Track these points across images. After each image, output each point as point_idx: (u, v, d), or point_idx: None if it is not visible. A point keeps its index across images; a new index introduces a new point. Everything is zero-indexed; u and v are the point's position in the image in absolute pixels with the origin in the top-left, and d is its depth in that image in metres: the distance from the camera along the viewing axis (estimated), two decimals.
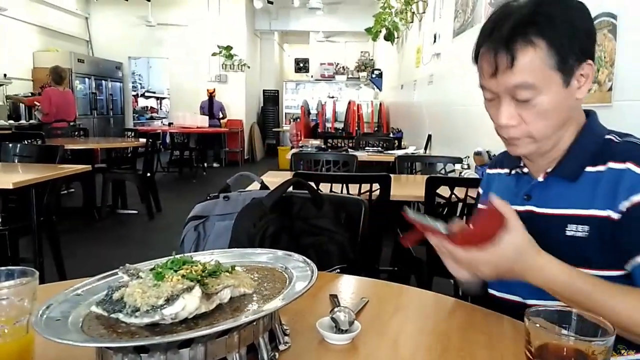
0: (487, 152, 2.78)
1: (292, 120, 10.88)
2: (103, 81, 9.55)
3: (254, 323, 0.72)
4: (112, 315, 0.67)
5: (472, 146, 2.99)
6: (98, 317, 0.69)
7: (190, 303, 0.67)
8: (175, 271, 0.71)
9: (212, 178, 8.29)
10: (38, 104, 6.00)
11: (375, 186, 2.28)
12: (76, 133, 5.99)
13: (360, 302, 0.96)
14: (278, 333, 0.79)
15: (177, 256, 0.75)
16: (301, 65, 13.41)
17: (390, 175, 2.30)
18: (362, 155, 4.04)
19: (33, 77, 8.11)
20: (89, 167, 3.16)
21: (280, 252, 0.91)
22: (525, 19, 0.84)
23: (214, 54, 10.01)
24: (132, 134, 5.84)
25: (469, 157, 3.06)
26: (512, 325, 0.88)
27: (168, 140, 9.23)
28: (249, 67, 10.39)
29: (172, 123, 9.42)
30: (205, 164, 9.28)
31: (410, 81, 6.22)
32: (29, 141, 4.55)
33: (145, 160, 5.23)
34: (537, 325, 0.63)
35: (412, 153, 4.42)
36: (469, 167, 3.02)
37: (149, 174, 5.21)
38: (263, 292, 0.79)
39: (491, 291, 1.03)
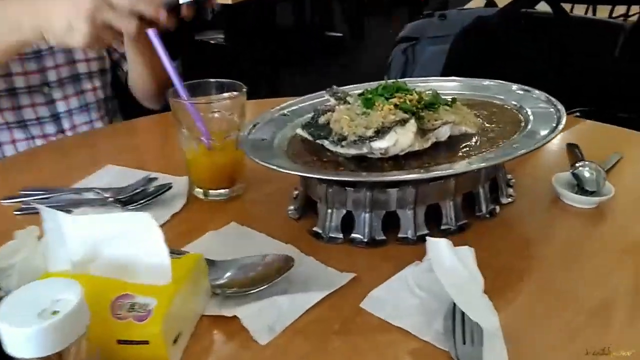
0: None
1: None
2: None
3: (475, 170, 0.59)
4: (318, 141, 0.61)
5: None
6: (303, 141, 0.64)
7: (403, 138, 0.56)
8: (387, 99, 0.60)
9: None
10: None
11: (634, 10, 1.74)
12: None
13: (610, 157, 0.75)
14: (501, 183, 0.65)
15: (390, 81, 0.63)
16: None
17: None
18: None
19: None
20: None
21: (514, 86, 0.72)
22: None
23: None
24: None
25: None
26: None
27: None
28: None
29: None
30: None
31: None
32: None
33: None
34: None
35: None
36: None
37: None
38: (489, 133, 0.64)
39: None
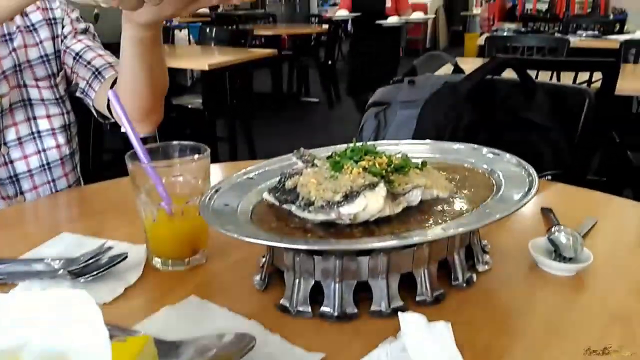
0: None
1: (484, 1, 9.64)
2: None
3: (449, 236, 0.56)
4: (284, 206, 0.58)
5: None
6: (270, 206, 0.61)
7: (372, 203, 0.54)
8: (356, 162, 0.58)
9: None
10: None
11: (596, 77, 1.82)
12: (265, 19, 6.20)
13: (585, 222, 0.73)
14: (477, 250, 0.62)
15: (359, 144, 0.61)
16: None
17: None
18: (573, 40, 3.34)
19: None
20: (274, 51, 3.21)
21: (485, 149, 0.71)
22: None
23: None
24: (316, 20, 5.82)
25: None
26: None
27: (350, 27, 9.02)
28: None
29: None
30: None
31: None
32: (226, 26, 4.82)
33: (327, 48, 5.19)
34: None
35: None
36: None
37: (330, 62, 5.20)
38: (461, 198, 0.62)
39: None
